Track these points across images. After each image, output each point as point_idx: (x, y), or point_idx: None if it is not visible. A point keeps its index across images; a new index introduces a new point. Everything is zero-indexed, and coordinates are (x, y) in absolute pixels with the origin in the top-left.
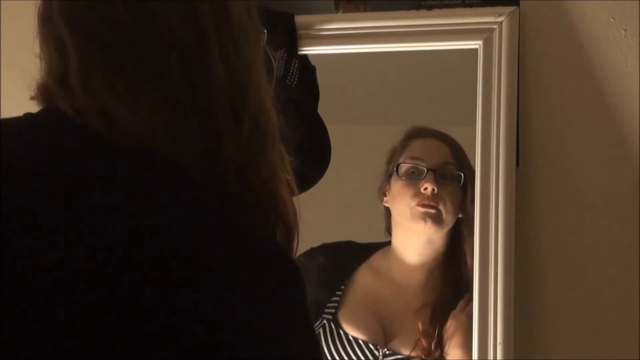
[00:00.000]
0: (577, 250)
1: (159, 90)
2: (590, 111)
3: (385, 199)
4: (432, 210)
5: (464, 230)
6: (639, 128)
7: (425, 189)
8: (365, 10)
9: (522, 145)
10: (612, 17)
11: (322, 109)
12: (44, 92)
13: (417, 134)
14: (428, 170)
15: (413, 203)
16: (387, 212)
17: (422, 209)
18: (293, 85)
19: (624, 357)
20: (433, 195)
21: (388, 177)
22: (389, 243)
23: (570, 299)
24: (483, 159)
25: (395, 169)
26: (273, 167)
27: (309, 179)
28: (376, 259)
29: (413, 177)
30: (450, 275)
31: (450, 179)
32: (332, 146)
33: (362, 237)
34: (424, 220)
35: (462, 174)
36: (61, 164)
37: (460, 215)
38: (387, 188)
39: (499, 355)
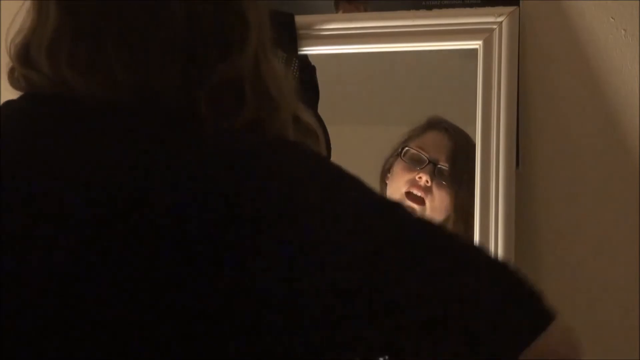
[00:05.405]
0: (576, 250)
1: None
2: (590, 111)
3: (388, 175)
4: (416, 206)
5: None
6: (639, 128)
7: (420, 177)
8: (365, 10)
9: (522, 145)
10: (612, 17)
11: (322, 109)
12: (11, 73)
13: (434, 125)
14: (429, 162)
15: (404, 188)
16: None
17: (408, 201)
18: None
19: (624, 357)
20: (425, 186)
21: (395, 155)
22: None
23: (570, 298)
24: (483, 159)
25: (401, 151)
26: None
27: None
28: None
29: (414, 164)
30: None
31: (447, 177)
32: (332, 146)
33: None
34: None
35: (460, 174)
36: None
37: (447, 214)
38: (391, 166)
39: None
